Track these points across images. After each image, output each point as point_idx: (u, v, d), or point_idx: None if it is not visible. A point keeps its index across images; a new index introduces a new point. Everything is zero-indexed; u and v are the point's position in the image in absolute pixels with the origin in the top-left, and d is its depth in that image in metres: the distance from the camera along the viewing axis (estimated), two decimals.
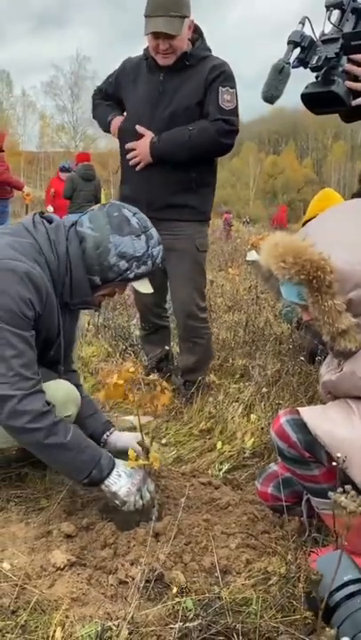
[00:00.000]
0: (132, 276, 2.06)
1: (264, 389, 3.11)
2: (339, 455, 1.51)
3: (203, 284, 3.30)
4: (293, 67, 1.85)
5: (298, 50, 1.84)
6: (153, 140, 2.97)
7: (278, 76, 1.83)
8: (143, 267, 2.05)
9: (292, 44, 1.84)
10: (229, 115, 2.95)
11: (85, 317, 4.81)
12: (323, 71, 1.81)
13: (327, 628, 1.27)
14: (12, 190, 8.66)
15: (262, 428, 2.75)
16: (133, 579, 1.69)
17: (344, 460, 1.52)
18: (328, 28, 1.85)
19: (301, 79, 1.91)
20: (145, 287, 2.13)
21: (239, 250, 12.18)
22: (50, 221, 2.10)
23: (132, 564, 1.77)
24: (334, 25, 1.83)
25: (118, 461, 2.02)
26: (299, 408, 1.77)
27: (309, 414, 1.72)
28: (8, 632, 1.50)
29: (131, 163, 3.06)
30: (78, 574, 1.73)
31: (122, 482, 1.97)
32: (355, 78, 1.82)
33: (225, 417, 2.91)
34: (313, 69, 1.84)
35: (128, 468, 2.01)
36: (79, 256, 2.03)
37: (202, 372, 3.27)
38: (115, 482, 1.97)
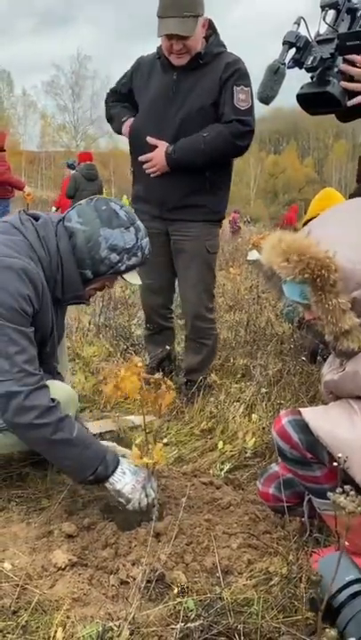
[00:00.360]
0: (123, 268, 2.09)
1: (263, 390, 3.11)
2: (340, 455, 1.51)
3: (212, 286, 3.30)
4: (289, 67, 1.85)
5: (293, 50, 1.84)
6: (168, 150, 2.93)
7: (273, 76, 1.83)
8: (134, 258, 2.09)
9: (288, 44, 1.84)
10: (244, 115, 2.91)
11: (86, 317, 4.81)
12: (318, 72, 1.81)
13: (327, 629, 1.26)
14: (12, 190, 8.66)
15: (263, 428, 2.74)
16: (135, 579, 1.68)
17: (345, 461, 1.52)
18: (323, 29, 1.85)
19: (303, 79, 1.91)
20: (134, 279, 2.17)
21: (240, 249, 12.16)
22: (36, 219, 2.11)
23: (133, 564, 1.77)
24: (330, 25, 1.83)
25: (122, 459, 2.02)
26: (300, 408, 1.76)
27: (311, 415, 1.72)
28: (9, 632, 1.49)
29: (147, 171, 3.02)
30: (79, 574, 1.73)
31: (126, 479, 1.97)
32: (350, 78, 1.82)
33: (226, 417, 2.90)
34: (308, 70, 1.84)
35: (132, 465, 2.01)
36: (70, 251, 2.04)
37: (204, 372, 3.28)
38: (119, 479, 1.97)
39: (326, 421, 1.69)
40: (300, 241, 1.65)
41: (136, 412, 2.99)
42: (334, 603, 1.37)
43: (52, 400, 1.91)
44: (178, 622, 1.48)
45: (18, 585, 1.66)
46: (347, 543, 1.33)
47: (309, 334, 3.67)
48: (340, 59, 1.82)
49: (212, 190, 3.06)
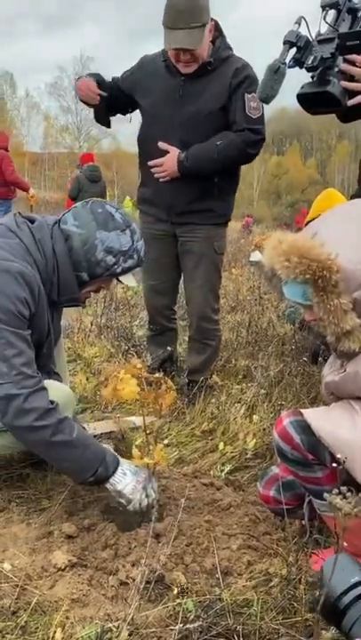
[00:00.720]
0: (119, 270, 2.10)
1: (262, 390, 3.10)
2: (339, 456, 1.50)
3: (218, 287, 3.31)
4: (289, 67, 1.85)
5: (294, 50, 1.84)
6: (180, 157, 2.91)
7: (274, 75, 1.83)
8: (130, 260, 2.10)
9: (288, 44, 1.84)
10: (256, 123, 2.90)
11: (88, 318, 4.81)
12: (318, 71, 1.81)
13: (324, 631, 1.26)
14: (15, 191, 8.67)
15: (264, 429, 2.74)
16: (134, 580, 1.68)
17: (345, 461, 1.51)
18: (324, 28, 1.85)
19: (306, 79, 1.91)
20: (130, 281, 2.18)
21: (243, 250, 12.16)
22: (32, 221, 2.11)
23: (132, 565, 1.77)
24: (330, 25, 1.83)
25: (122, 460, 2.02)
26: (302, 409, 1.76)
27: (313, 415, 1.72)
28: (8, 633, 1.49)
29: (156, 176, 2.99)
30: (79, 575, 1.73)
31: (127, 480, 1.97)
32: (350, 78, 1.82)
33: (227, 418, 2.90)
34: (309, 69, 1.84)
35: (132, 466, 2.01)
36: (66, 253, 2.05)
37: (206, 373, 3.28)
38: (120, 480, 1.97)
39: (328, 422, 1.69)
40: (301, 242, 1.65)
41: (137, 412, 2.99)
42: (340, 605, 1.36)
43: (51, 402, 1.91)
44: (177, 623, 1.48)
45: (17, 585, 1.66)
46: (346, 544, 1.32)
47: (311, 335, 3.66)
48: (340, 58, 1.82)
49: (220, 196, 3.07)
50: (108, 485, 1.97)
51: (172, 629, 1.47)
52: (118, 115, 3.26)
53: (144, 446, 2.04)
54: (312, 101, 1.86)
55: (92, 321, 4.72)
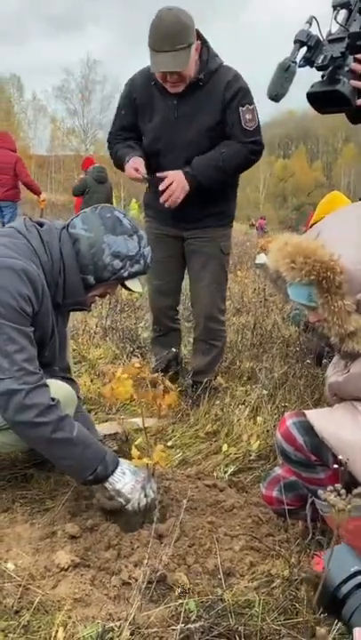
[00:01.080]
0: (125, 274, 2.10)
1: (264, 391, 3.10)
2: (341, 457, 1.50)
3: (225, 287, 3.33)
4: (300, 66, 1.85)
5: (304, 49, 1.84)
6: (185, 170, 2.90)
7: (284, 74, 1.84)
8: (136, 265, 2.11)
9: (299, 43, 1.84)
10: (254, 135, 2.94)
11: (93, 319, 4.82)
12: (328, 70, 1.81)
13: (318, 627, 1.26)
14: (20, 193, 8.72)
15: (268, 431, 2.74)
16: (136, 580, 1.69)
17: (347, 462, 1.51)
18: (335, 28, 1.85)
19: (311, 82, 1.92)
20: (136, 286, 2.19)
21: (248, 252, 12.17)
22: (41, 225, 2.12)
23: (135, 566, 1.77)
24: (341, 24, 1.83)
25: (122, 460, 2.03)
26: (305, 410, 1.76)
27: (316, 416, 1.72)
28: (11, 632, 1.50)
29: (167, 205, 2.95)
30: (82, 575, 1.73)
31: (126, 479, 1.98)
32: (360, 77, 1.82)
33: (231, 419, 2.90)
34: (319, 68, 1.84)
35: (132, 466, 2.01)
36: (73, 256, 2.06)
37: (211, 374, 3.28)
38: (119, 479, 1.97)
39: (331, 423, 1.69)
40: (305, 243, 1.66)
41: (140, 413, 2.99)
42: (339, 594, 1.37)
43: (52, 399, 1.92)
44: (178, 623, 1.48)
45: (20, 585, 1.67)
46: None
47: (315, 337, 3.66)
48: (350, 58, 1.82)
49: (223, 198, 3.12)
50: (106, 484, 1.98)
51: (173, 629, 1.47)
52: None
53: (144, 447, 2.05)
54: (322, 100, 1.86)
55: (97, 322, 4.73)
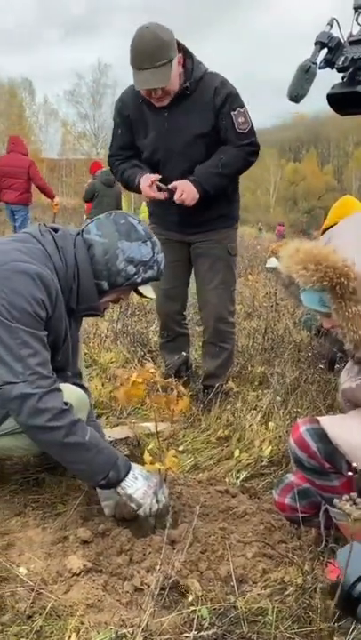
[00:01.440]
0: (139, 280, 2.11)
1: (278, 397, 3.09)
2: (355, 464, 1.49)
3: (234, 288, 3.34)
4: (320, 67, 1.86)
5: (325, 50, 1.85)
6: (191, 179, 2.93)
7: (305, 75, 1.84)
8: (150, 271, 2.11)
9: (320, 44, 1.85)
10: (248, 137, 2.97)
11: (104, 323, 4.83)
12: (349, 72, 1.81)
13: (333, 638, 1.25)
14: (32, 197, 8.77)
15: (280, 437, 2.73)
16: (149, 586, 1.68)
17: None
18: (356, 30, 1.85)
19: (323, 87, 1.92)
20: (149, 292, 2.19)
21: (259, 256, 12.15)
22: (55, 230, 2.13)
23: (147, 572, 1.77)
24: None
25: (135, 465, 2.03)
26: (318, 417, 1.75)
27: (330, 423, 1.71)
28: (23, 637, 1.50)
29: (179, 201, 2.95)
30: (94, 580, 1.73)
31: (138, 484, 1.98)
32: None
33: (243, 425, 2.89)
34: (339, 70, 1.85)
35: (144, 471, 2.01)
36: (87, 261, 2.07)
37: (222, 379, 3.27)
38: (131, 484, 1.97)
39: (345, 429, 1.68)
40: (318, 249, 1.65)
41: (152, 417, 2.99)
42: (354, 592, 1.36)
43: (65, 403, 1.92)
44: (191, 630, 1.48)
45: (33, 590, 1.67)
46: None
47: (327, 342, 3.65)
48: None
49: (226, 201, 3.15)
50: (118, 489, 1.98)
51: (186, 636, 1.47)
52: None
53: (156, 452, 2.05)
54: (342, 102, 1.86)
55: (108, 326, 4.74)
